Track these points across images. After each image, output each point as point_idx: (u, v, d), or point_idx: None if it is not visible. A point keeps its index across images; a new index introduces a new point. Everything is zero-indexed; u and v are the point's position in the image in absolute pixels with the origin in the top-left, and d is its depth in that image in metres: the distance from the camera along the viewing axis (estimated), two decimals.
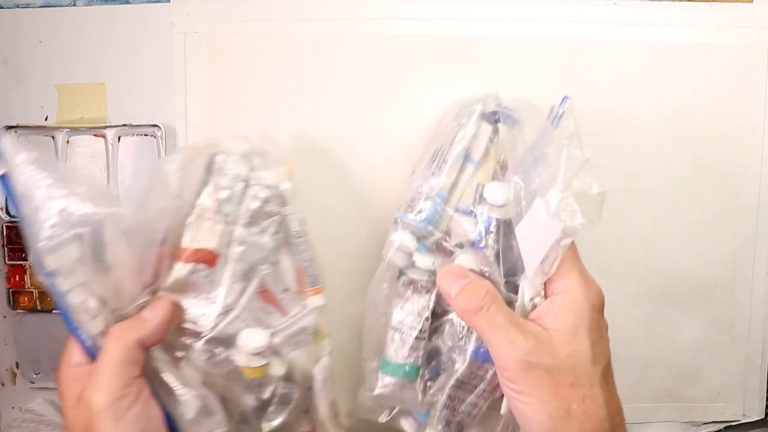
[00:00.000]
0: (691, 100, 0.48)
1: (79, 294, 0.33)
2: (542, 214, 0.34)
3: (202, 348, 0.36)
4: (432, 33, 0.46)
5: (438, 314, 0.39)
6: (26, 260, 0.48)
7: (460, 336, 0.38)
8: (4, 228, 0.48)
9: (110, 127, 0.47)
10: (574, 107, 0.36)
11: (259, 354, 0.37)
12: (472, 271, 0.36)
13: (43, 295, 0.48)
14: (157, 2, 0.47)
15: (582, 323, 0.32)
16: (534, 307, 0.34)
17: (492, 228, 0.36)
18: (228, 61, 0.46)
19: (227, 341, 0.36)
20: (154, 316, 0.35)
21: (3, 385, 0.50)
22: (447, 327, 0.39)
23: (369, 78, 0.47)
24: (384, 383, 0.39)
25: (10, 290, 0.48)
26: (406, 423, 0.42)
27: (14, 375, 0.50)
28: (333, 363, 0.41)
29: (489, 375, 0.37)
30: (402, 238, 0.38)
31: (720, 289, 0.49)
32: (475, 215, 0.37)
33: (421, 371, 0.39)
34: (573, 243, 0.34)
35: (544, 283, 0.34)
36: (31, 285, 0.48)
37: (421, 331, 0.38)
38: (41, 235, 0.32)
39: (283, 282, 0.39)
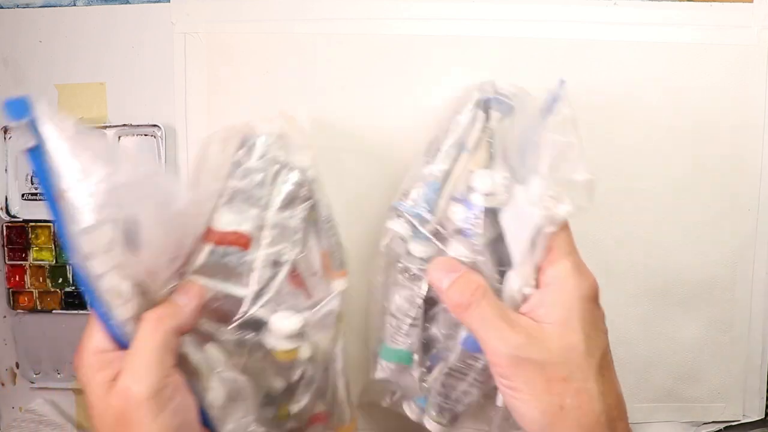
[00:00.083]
0: (691, 100, 0.48)
1: (112, 277, 0.31)
2: (523, 202, 0.33)
3: (234, 331, 0.36)
4: (432, 33, 0.46)
5: (434, 301, 0.39)
6: (26, 260, 0.48)
7: (454, 323, 0.38)
8: (4, 228, 0.48)
9: (110, 127, 0.47)
10: (569, 92, 0.36)
11: (291, 337, 0.37)
12: (466, 260, 0.36)
13: (43, 295, 0.48)
14: (157, 2, 0.47)
15: (574, 315, 0.32)
16: (525, 298, 0.34)
17: (480, 216, 0.36)
18: (228, 61, 0.46)
19: (257, 324, 0.36)
20: (188, 302, 0.34)
21: (3, 385, 0.50)
22: (441, 314, 0.39)
23: (369, 78, 0.47)
24: (382, 367, 0.40)
25: (10, 290, 0.48)
26: (407, 407, 0.42)
27: (14, 375, 0.50)
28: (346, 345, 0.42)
29: (480, 364, 0.37)
30: (397, 225, 0.38)
31: (720, 289, 0.49)
32: (467, 203, 0.37)
33: (417, 357, 0.40)
34: (567, 232, 0.34)
35: (537, 273, 0.34)
36: (31, 285, 0.48)
37: (414, 318, 0.39)
38: (78, 215, 0.30)
39: (311, 266, 0.39)
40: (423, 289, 0.38)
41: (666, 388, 0.50)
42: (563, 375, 0.31)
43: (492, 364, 0.32)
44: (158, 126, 0.46)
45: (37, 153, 0.30)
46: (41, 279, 0.48)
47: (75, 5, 0.47)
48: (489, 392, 0.38)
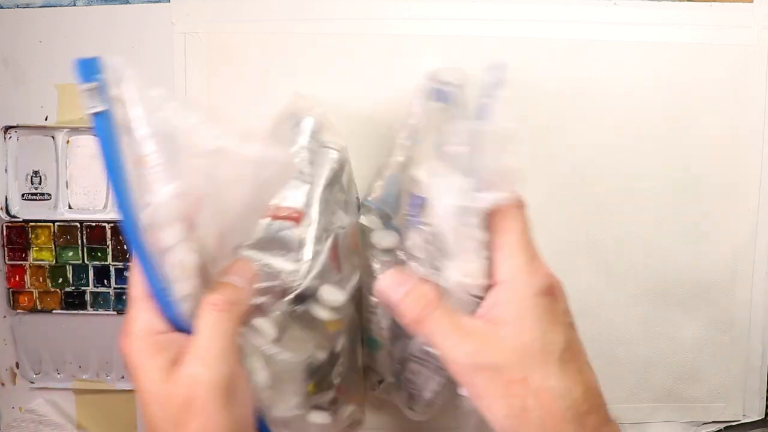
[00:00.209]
0: (691, 100, 0.48)
1: (180, 250, 0.29)
2: (449, 192, 0.33)
3: (288, 304, 0.37)
4: (432, 33, 0.47)
5: None
6: (26, 260, 0.48)
7: None
8: (4, 228, 0.48)
9: None
10: (508, 76, 0.35)
11: (338, 308, 0.38)
12: (423, 255, 0.35)
13: (43, 295, 0.48)
14: (157, 2, 0.47)
15: (527, 312, 0.31)
16: (479, 298, 0.33)
17: (423, 206, 0.36)
18: (228, 61, 0.46)
19: (304, 297, 0.38)
20: (245, 282, 0.32)
21: (3, 385, 0.50)
22: None
23: (369, 78, 0.47)
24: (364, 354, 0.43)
25: (10, 290, 0.48)
26: (394, 396, 0.44)
27: (14, 375, 0.50)
28: None
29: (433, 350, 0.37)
30: (366, 220, 0.40)
31: (720, 289, 0.49)
32: (412, 195, 0.37)
33: (387, 346, 0.41)
34: (522, 225, 0.32)
35: (489, 265, 0.33)
36: (31, 285, 0.48)
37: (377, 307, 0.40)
38: (156, 184, 0.28)
39: (347, 241, 0.40)
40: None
41: (666, 388, 0.50)
42: (521, 376, 0.30)
43: (452, 374, 0.32)
44: None
45: (103, 118, 0.28)
46: (41, 279, 0.48)
47: (75, 5, 0.47)
48: (451, 378, 0.38)
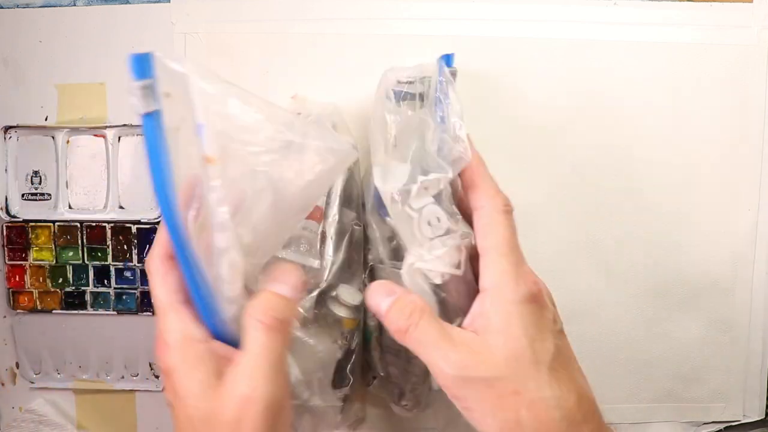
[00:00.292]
0: (691, 100, 0.48)
1: (232, 252, 0.28)
2: (384, 181, 0.33)
3: (310, 302, 0.37)
4: (432, 33, 0.47)
5: None
6: (26, 260, 0.48)
7: None
8: (4, 228, 0.48)
9: (110, 127, 0.47)
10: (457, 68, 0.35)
11: (355, 307, 0.39)
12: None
13: (43, 295, 0.48)
14: (157, 2, 0.47)
15: (514, 321, 0.30)
16: (439, 288, 0.33)
17: (380, 201, 0.36)
18: (228, 61, 0.46)
19: (325, 295, 0.38)
20: (294, 291, 0.31)
21: (3, 385, 0.50)
22: None
23: (369, 78, 0.46)
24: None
25: (10, 290, 0.48)
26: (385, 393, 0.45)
27: (14, 375, 0.50)
28: None
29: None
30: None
31: (720, 289, 0.49)
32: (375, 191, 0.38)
33: (375, 336, 0.42)
34: (506, 230, 0.32)
35: (476, 279, 0.32)
36: (31, 285, 0.48)
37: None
38: (214, 188, 0.27)
39: (360, 240, 0.41)
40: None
41: (666, 388, 0.50)
42: (513, 388, 0.29)
43: (442, 387, 0.31)
44: None
45: (154, 118, 0.27)
46: (41, 279, 0.48)
47: (75, 5, 0.47)
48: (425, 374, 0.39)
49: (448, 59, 0.36)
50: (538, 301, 0.31)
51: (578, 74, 0.47)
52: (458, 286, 0.34)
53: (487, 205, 0.32)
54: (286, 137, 0.29)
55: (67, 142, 0.47)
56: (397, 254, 0.39)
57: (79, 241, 0.47)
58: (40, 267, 0.48)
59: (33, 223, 0.47)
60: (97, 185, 0.47)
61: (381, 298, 0.32)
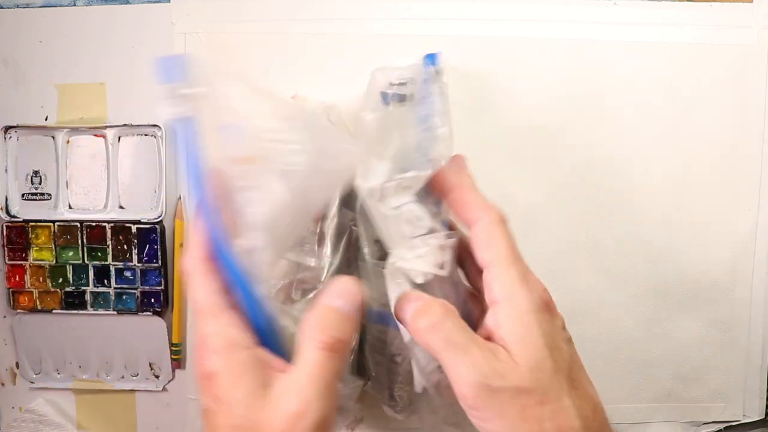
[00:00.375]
0: (691, 100, 0.48)
1: (267, 251, 0.28)
2: (362, 180, 0.33)
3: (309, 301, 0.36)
4: (432, 33, 0.47)
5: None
6: (26, 260, 0.48)
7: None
8: (4, 228, 0.48)
9: (110, 127, 0.47)
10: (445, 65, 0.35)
11: None
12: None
13: (43, 295, 0.48)
14: (157, 2, 0.47)
15: (532, 331, 0.29)
16: (421, 288, 0.32)
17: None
18: (228, 61, 0.46)
19: None
20: (353, 309, 0.30)
21: (3, 385, 0.50)
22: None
23: (369, 78, 0.47)
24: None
25: (10, 290, 0.48)
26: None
27: (14, 375, 0.50)
28: None
29: (388, 338, 0.37)
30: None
31: (720, 289, 0.49)
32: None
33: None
34: (507, 239, 0.32)
35: (482, 290, 0.32)
36: (31, 285, 0.48)
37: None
38: (253, 186, 0.27)
39: (359, 239, 0.40)
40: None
41: (666, 388, 0.50)
42: (537, 399, 0.28)
43: (460, 397, 0.29)
44: (158, 126, 0.46)
45: (187, 122, 0.27)
46: (41, 279, 0.48)
47: (75, 5, 0.47)
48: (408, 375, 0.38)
49: (432, 58, 0.36)
50: (550, 309, 0.31)
51: (578, 74, 0.47)
52: (443, 287, 0.33)
53: (484, 218, 0.32)
54: (311, 137, 0.29)
55: (67, 142, 0.47)
56: (385, 254, 0.39)
57: (79, 241, 0.47)
58: (40, 267, 0.48)
59: (33, 223, 0.47)
60: (97, 185, 0.47)
61: (406, 305, 0.32)
